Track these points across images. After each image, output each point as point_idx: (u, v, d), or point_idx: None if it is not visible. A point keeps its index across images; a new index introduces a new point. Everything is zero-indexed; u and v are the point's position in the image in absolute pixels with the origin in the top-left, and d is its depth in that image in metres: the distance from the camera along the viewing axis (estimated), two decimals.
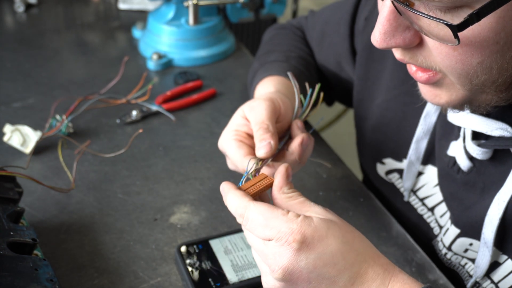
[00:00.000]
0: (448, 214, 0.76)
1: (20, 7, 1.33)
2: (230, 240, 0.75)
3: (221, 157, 0.79)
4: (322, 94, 0.76)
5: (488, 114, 0.65)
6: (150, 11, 1.25)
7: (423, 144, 0.78)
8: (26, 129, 0.88)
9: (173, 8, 1.19)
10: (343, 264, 0.54)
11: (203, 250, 0.73)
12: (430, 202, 0.79)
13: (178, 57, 1.17)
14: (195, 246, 0.74)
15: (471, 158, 0.69)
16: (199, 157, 0.92)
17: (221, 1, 1.20)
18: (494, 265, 0.69)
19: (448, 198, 0.75)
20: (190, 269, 0.71)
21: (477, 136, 0.68)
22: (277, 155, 0.71)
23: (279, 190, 0.61)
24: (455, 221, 0.73)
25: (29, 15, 1.33)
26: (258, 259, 0.58)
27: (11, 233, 0.62)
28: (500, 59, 0.52)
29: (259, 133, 0.69)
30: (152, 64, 1.15)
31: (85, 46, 1.24)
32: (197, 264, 0.71)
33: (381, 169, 0.87)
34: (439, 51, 0.53)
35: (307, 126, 1.01)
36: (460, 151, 0.70)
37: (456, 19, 0.49)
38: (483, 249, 0.68)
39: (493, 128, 0.64)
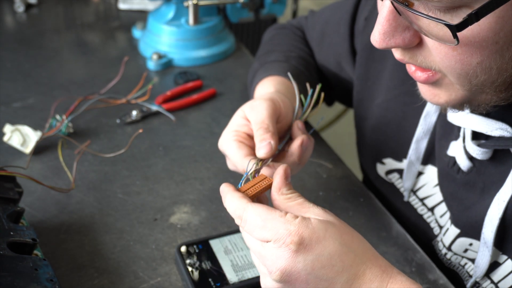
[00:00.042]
0: (448, 214, 0.76)
1: (20, 7, 1.33)
2: (230, 240, 0.75)
3: (221, 157, 0.79)
4: (322, 95, 0.75)
5: (488, 114, 0.65)
6: (150, 11, 1.25)
7: (423, 144, 0.78)
8: (26, 129, 0.88)
9: (173, 8, 1.19)
10: (341, 266, 0.54)
11: (203, 250, 0.73)
12: (430, 202, 0.79)
13: (178, 57, 1.17)
14: (195, 246, 0.74)
15: (471, 158, 0.69)
16: (199, 157, 0.92)
17: (221, 1, 1.20)
18: (494, 265, 0.69)
19: (448, 198, 0.75)
20: (190, 269, 0.71)
21: (477, 136, 0.68)
22: (277, 156, 0.71)
23: (278, 191, 0.61)
24: (455, 221, 0.73)
25: (29, 15, 1.33)
26: (256, 261, 0.58)
27: (11, 233, 0.62)
28: (499, 59, 0.52)
29: (259, 133, 0.69)
30: (152, 64, 1.15)
31: (85, 46, 1.24)
32: (197, 264, 0.71)
33: (381, 169, 0.87)
34: (439, 51, 0.53)
35: (307, 126, 1.01)
36: (460, 151, 0.70)
37: (455, 19, 0.49)
38: (483, 249, 0.68)
39: (493, 128, 0.64)
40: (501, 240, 0.67)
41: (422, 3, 0.50)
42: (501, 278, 0.68)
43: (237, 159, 0.69)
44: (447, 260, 0.77)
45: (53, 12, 1.36)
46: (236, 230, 0.76)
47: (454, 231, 0.73)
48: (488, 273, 0.70)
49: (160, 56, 1.15)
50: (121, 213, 0.80)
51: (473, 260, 0.73)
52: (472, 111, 0.65)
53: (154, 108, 1.01)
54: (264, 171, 0.67)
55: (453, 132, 0.72)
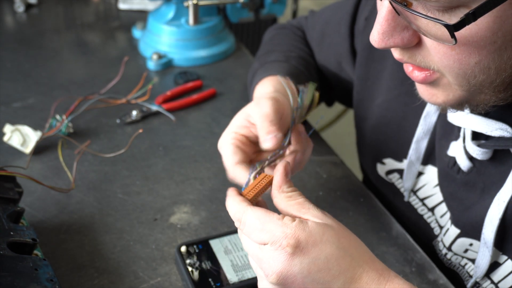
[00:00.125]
0: (448, 214, 0.76)
1: (20, 7, 1.33)
2: (230, 240, 0.75)
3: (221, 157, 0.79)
4: (317, 94, 0.76)
5: (488, 115, 0.65)
6: (150, 11, 1.25)
7: (423, 144, 0.78)
8: (26, 129, 0.88)
9: (173, 8, 1.19)
10: (337, 269, 0.54)
11: (203, 250, 0.73)
12: (430, 202, 0.79)
13: (178, 57, 1.17)
14: (195, 246, 0.74)
15: (471, 158, 0.69)
16: (199, 157, 0.92)
17: (221, 1, 1.20)
18: (494, 265, 0.69)
19: (448, 198, 0.75)
20: (190, 269, 0.71)
21: (477, 136, 0.68)
22: (277, 158, 0.71)
23: (278, 188, 0.61)
24: (455, 221, 0.73)
25: (29, 15, 1.33)
26: (254, 264, 0.59)
27: (11, 233, 0.62)
28: (498, 59, 0.52)
29: (265, 125, 0.69)
30: (152, 64, 1.15)
31: (85, 46, 1.24)
32: (197, 264, 0.71)
33: (381, 169, 0.87)
34: (437, 51, 0.53)
35: (307, 126, 1.01)
36: (460, 151, 0.70)
37: (454, 19, 0.49)
38: (483, 249, 0.68)
39: (493, 128, 0.64)
40: (501, 240, 0.67)
41: (420, 3, 0.50)
42: (501, 278, 0.68)
43: (228, 164, 0.70)
44: (447, 260, 0.77)
45: (53, 12, 1.36)
46: (236, 230, 0.76)
47: (454, 231, 0.73)
48: (488, 273, 0.70)
49: (160, 56, 1.15)
50: (121, 213, 0.80)
51: (473, 260, 0.73)
52: (471, 111, 0.65)
53: (154, 108, 1.01)
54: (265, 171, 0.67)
55: (453, 132, 0.72)
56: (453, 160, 0.72)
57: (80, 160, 0.88)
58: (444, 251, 0.76)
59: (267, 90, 0.83)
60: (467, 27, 0.48)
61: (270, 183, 0.63)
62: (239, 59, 1.23)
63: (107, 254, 0.74)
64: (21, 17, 1.32)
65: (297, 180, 0.88)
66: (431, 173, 0.78)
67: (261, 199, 0.63)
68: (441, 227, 0.78)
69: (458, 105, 0.60)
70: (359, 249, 0.56)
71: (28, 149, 0.87)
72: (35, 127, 0.90)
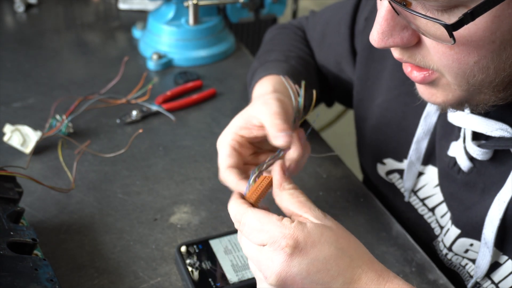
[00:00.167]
0: (448, 215, 0.76)
1: (20, 7, 1.33)
2: (230, 240, 0.75)
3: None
4: (315, 93, 0.76)
5: (488, 115, 0.65)
6: (150, 11, 1.25)
7: (424, 145, 0.78)
8: (26, 129, 0.88)
9: (173, 8, 1.19)
10: (336, 270, 0.54)
11: (203, 250, 0.73)
12: (430, 203, 0.79)
13: (178, 57, 1.17)
14: (195, 246, 0.74)
15: (471, 158, 0.69)
16: (199, 157, 0.92)
17: (221, 1, 1.20)
18: (494, 265, 0.69)
19: (449, 198, 0.75)
20: (190, 269, 0.71)
21: (477, 136, 0.68)
22: (276, 161, 0.71)
23: (279, 186, 0.62)
24: (455, 221, 0.73)
25: (29, 15, 1.33)
26: (253, 267, 0.59)
27: (11, 233, 0.62)
28: (496, 59, 0.52)
29: (277, 122, 0.68)
30: (152, 64, 1.15)
31: (85, 46, 1.24)
32: (197, 264, 0.71)
33: (381, 170, 0.87)
34: (436, 50, 0.54)
35: (306, 126, 1.01)
36: (460, 152, 0.70)
37: (453, 19, 0.49)
38: (483, 250, 0.68)
39: (493, 128, 0.64)
40: (501, 241, 0.67)
41: (419, 3, 0.50)
42: (502, 279, 0.68)
43: (220, 165, 0.71)
44: (448, 261, 0.77)
45: (53, 12, 1.36)
46: (236, 230, 0.76)
47: (454, 231, 0.73)
48: (488, 274, 0.70)
49: (160, 56, 1.15)
50: (121, 213, 0.80)
51: (473, 261, 0.73)
52: (471, 111, 0.65)
53: (154, 108, 1.01)
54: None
55: (453, 132, 0.72)
56: (453, 160, 0.72)
57: (80, 160, 0.88)
58: (445, 251, 0.76)
59: (266, 89, 0.83)
60: (465, 26, 0.48)
61: (270, 184, 0.63)
62: (239, 59, 1.23)
63: (107, 254, 0.74)
64: (21, 17, 1.32)
65: (297, 180, 0.87)
66: (432, 173, 0.78)
67: (264, 206, 0.63)
68: (441, 227, 0.78)
69: (458, 105, 0.60)
70: (358, 250, 0.56)
71: (28, 149, 0.87)
72: (35, 127, 0.90)
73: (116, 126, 0.98)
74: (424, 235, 0.81)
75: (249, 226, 0.57)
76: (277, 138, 0.68)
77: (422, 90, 0.62)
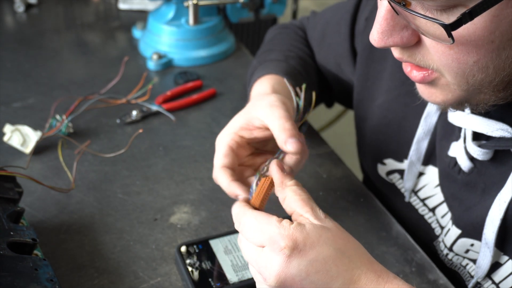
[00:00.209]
0: (449, 215, 0.76)
1: (20, 7, 1.33)
2: (230, 240, 0.75)
3: None
4: (314, 95, 0.75)
5: (488, 115, 0.65)
6: (150, 11, 1.25)
7: (424, 145, 0.78)
8: (26, 129, 0.88)
9: (173, 8, 1.19)
10: (335, 271, 0.54)
11: (203, 250, 0.73)
12: (431, 203, 0.79)
13: (178, 57, 1.17)
14: (195, 246, 0.73)
15: (472, 158, 0.69)
16: (199, 157, 0.92)
17: (221, 1, 1.20)
18: (495, 265, 0.69)
19: (449, 198, 0.75)
20: (190, 269, 0.71)
21: (477, 136, 0.68)
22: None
23: (281, 184, 0.62)
24: (456, 221, 0.73)
25: (29, 15, 1.33)
26: (253, 270, 0.59)
27: (11, 233, 0.62)
28: (496, 58, 0.52)
29: (289, 127, 0.68)
30: (152, 64, 1.15)
31: (85, 46, 1.24)
32: (197, 264, 0.71)
33: (381, 170, 0.87)
34: (436, 50, 0.54)
35: (308, 127, 1.01)
36: (461, 152, 0.70)
37: (452, 18, 0.49)
38: (484, 250, 0.68)
39: (494, 129, 0.64)
40: (502, 241, 0.67)
41: (419, 2, 0.50)
42: (502, 279, 0.68)
43: (215, 164, 0.71)
44: (449, 261, 0.77)
45: (53, 12, 1.36)
46: (236, 230, 0.76)
47: (455, 231, 0.73)
48: (489, 274, 0.70)
49: (160, 56, 1.15)
50: (121, 213, 0.80)
51: (474, 261, 0.73)
52: (472, 111, 0.65)
53: (154, 108, 1.01)
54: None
55: (454, 132, 0.72)
56: (454, 161, 0.72)
57: (80, 160, 0.88)
58: (445, 251, 0.76)
59: (265, 88, 0.83)
60: (464, 26, 0.48)
61: (272, 185, 0.64)
62: (239, 59, 1.22)
63: (107, 254, 0.74)
64: (21, 17, 1.32)
65: (297, 180, 0.88)
66: (432, 174, 0.78)
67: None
68: (442, 228, 0.78)
69: (458, 105, 0.61)
70: (357, 251, 0.56)
71: (28, 149, 0.87)
72: (35, 127, 0.90)
73: (116, 126, 0.98)
74: (425, 235, 0.81)
75: (248, 226, 0.57)
76: (289, 144, 0.68)
77: (422, 90, 0.62)
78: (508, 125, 0.63)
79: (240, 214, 0.59)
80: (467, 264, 0.74)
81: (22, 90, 1.05)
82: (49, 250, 0.73)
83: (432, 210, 0.79)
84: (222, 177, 0.70)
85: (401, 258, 0.77)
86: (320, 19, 1.02)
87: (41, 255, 0.65)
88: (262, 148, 0.77)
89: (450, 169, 0.73)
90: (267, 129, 0.71)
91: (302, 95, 0.74)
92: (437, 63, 0.55)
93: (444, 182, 0.75)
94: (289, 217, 0.59)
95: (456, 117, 0.68)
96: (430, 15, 0.50)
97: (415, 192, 0.82)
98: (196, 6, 1.16)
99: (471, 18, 0.48)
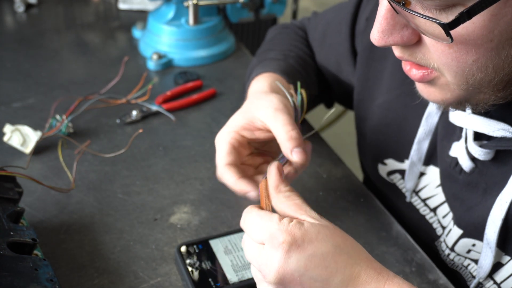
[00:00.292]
0: (450, 215, 0.76)
1: (20, 7, 1.33)
2: (230, 240, 0.75)
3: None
4: (304, 94, 0.75)
5: (489, 114, 0.65)
6: (150, 11, 1.24)
7: (425, 145, 0.78)
8: (26, 129, 0.88)
9: (173, 8, 1.19)
10: (334, 267, 0.54)
11: (203, 250, 0.73)
12: (432, 203, 0.79)
13: (178, 57, 1.17)
14: (195, 246, 0.73)
15: (473, 158, 0.69)
16: (199, 157, 0.92)
17: (221, 1, 1.20)
18: (496, 266, 0.69)
19: (451, 198, 0.75)
20: (190, 269, 0.70)
21: (479, 136, 0.68)
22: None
23: (276, 188, 0.62)
24: (457, 221, 0.73)
25: (29, 15, 1.33)
26: (253, 270, 0.59)
27: (11, 233, 0.62)
28: (495, 58, 0.52)
29: (295, 136, 0.68)
30: (152, 64, 1.15)
31: (85, 46, 1.24)
32: (197, 264, 0.71)
33: (382, 170, 0.87)
34: (436, 49, 0.54)
35: (308, 128, 1.01)
36: (462, 152, 0.70)
37: (450, 17, 0.49)
38: (485, 250, 0.68)
39: (495, 129, 0.64)
40: (504, 241, 0.67)
41: (418, 2, 0.50)
42: (504, 279, 0.68)
43: (219, 162, 0.71)
44: (450, 261, 0.77)
45: (53, 12, 1.36)
46: (236, 230, 0.76)
47: (457, 231, 0.73)
48: (491, 274, 0.70)
49: (160, 56, 1.15)
50: (121, 213, 0.80)
51: (476, 261, 0.73)
52: (472, 111, 0.65)
53: (154, 108, 1.00)
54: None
55: (455, 132, 0.72)
56: (455, 161, 0.72)
57: (80, 160, 0.88)
58: (447, 251, 0.76)
59: (262, 87, 0.82)
60: (463, 25, 0.49)
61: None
62: (239, 59, 1.22)
63: (107, 254, 0.74)
64: (21, 17, 1.32)
65: (297, 180, 0.87)
66: (433, 174, 0.78)
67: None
68: (443, 228, 0.78)
69: (458, 104, 0.61)
70: (355, 249, 0.56)
71: (28, 149, 0.87)
72: (35, 127, 0.89)
73: (116, 126, 0.98)
74: (426, 236, 0.81)
75: (250, 222, 0.58)
76: (295, 153, 0.68)
77: (421, 89, 0.62)
78: (509, 125, 0.63)
79: (245, 211, 0.60)
80: (468, 264, 0.74)
81: (22, 90, 1.05)
82: (49, 250, 0.73)
83: (434, 210, 0.79)
84: (228, 175, 0.69)
85: (401, 258, 0.77)
86: (321, 20, 1.02)
87: (41, 255, 0.65)
88: (261, 148, 0.77)
89: (452, 169, 0.73)
90: (269, 131, 0.71)
91: (299, 95, 0.74)
92: (437, 62, 0.55)
93: (446, 182, 0.75)
94: None
95: (457, 117, 0.68)
96: (429, 14, 0.50)
97: (416, 192, 0.82)
98: (196, 6, 1.16)
99: (470, 17, 0.48)
